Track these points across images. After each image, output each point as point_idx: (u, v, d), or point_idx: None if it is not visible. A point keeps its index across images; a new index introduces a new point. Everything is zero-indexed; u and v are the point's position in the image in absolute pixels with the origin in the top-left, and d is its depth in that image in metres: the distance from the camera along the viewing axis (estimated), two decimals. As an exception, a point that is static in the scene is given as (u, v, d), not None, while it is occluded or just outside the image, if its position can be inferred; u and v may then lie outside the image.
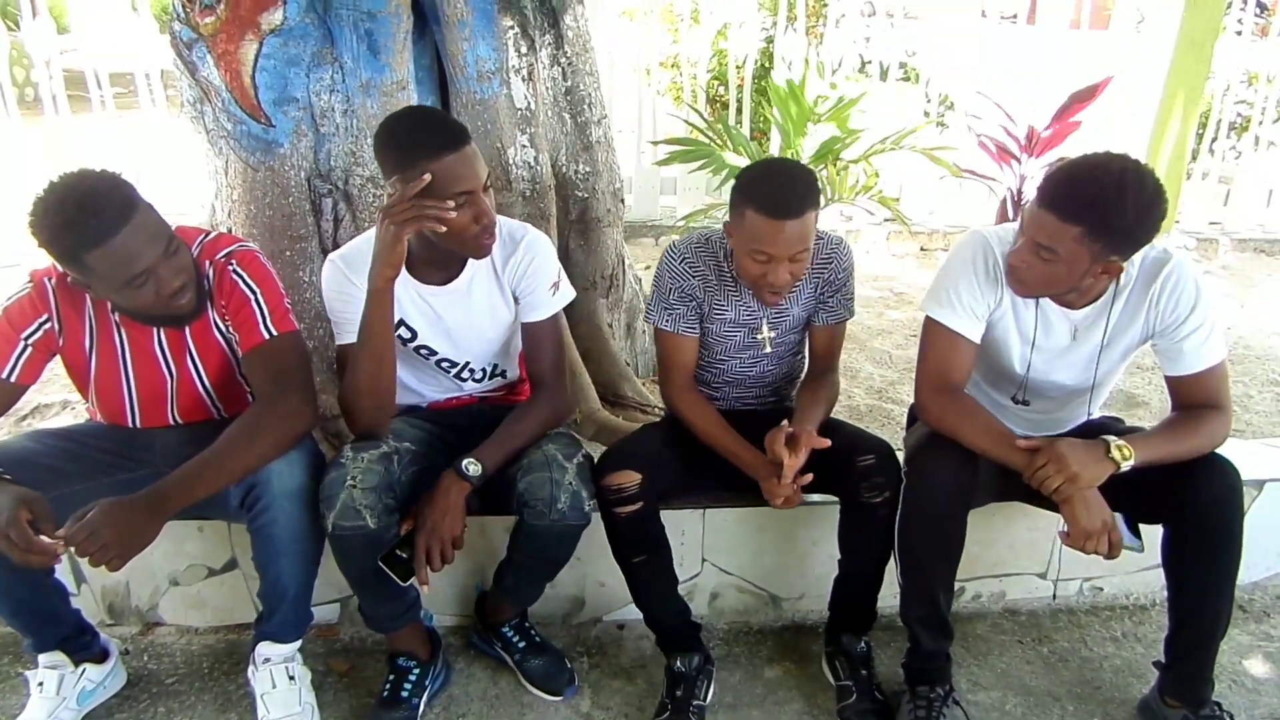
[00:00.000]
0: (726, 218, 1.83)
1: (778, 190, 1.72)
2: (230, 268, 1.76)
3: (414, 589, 1.80)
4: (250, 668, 1.85)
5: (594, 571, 2.17)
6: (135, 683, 2.01)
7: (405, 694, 1.88)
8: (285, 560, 1.72)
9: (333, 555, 1.74)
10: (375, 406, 1.76)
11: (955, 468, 1.74)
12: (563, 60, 2.74)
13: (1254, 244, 5.50)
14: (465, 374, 1.98)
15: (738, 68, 5.50)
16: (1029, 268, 1.66)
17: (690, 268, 1.93)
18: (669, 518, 1.95)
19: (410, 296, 1.83)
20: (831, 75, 5.45)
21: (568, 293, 1.95)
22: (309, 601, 1.83)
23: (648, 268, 3.98)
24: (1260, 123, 5.77)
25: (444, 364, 1.94)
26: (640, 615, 1.99)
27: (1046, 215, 1.58)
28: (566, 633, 2.21)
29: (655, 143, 5.05)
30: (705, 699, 1.93)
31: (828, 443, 1.78)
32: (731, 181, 1.98)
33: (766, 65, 5.90)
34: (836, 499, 1.92)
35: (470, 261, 1.85)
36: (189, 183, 3.20)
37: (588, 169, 2.83)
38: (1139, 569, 2.30)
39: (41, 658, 1.85)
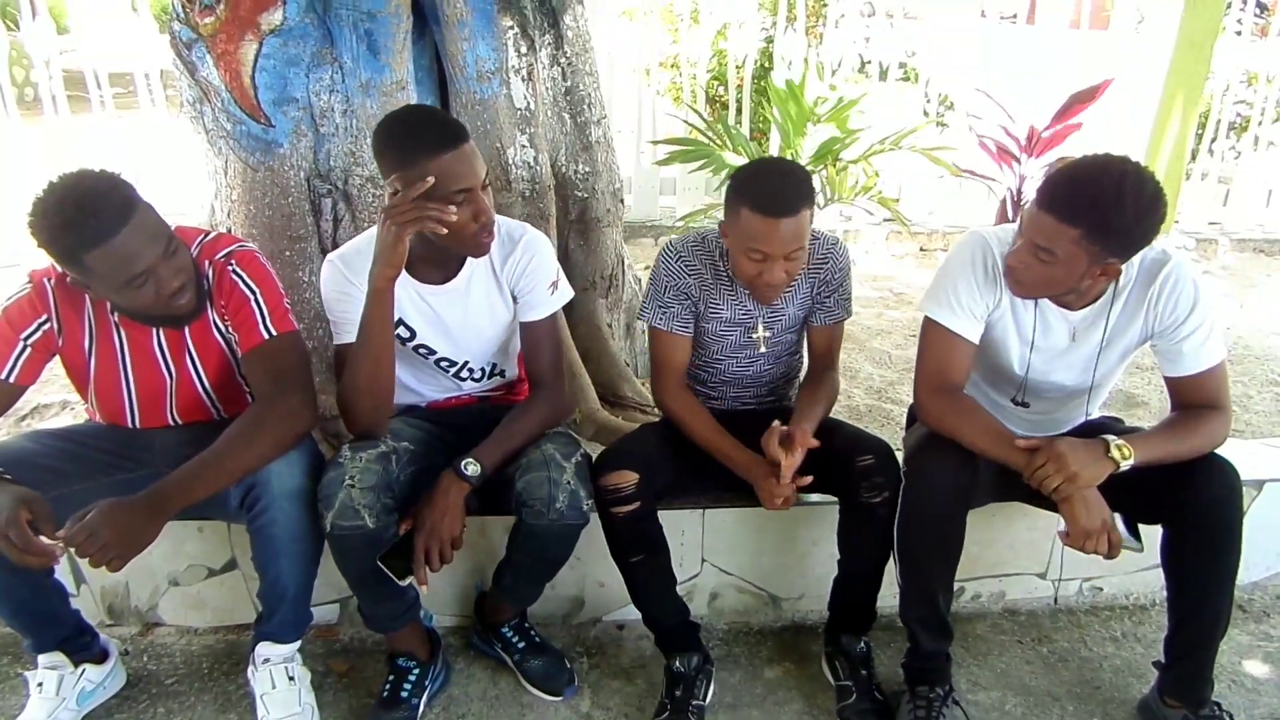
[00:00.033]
0: (722, 217, 1.83)
1: (772, 189, 1.73)
2: (230, 268, 1.76)
3: (413, 589, 1.80)
4: (250, 668, 1.85)
5: (594, 572, 2.17)
6: (135, 683, 2.01)
7: (405, 694, 1.88)
8: (285, 560, 1.72)
9: (331, 555, 1.74)
10: (374, 406, 1.76)
11: (954, 468, 1.74)
12: (562, 60, 2.74)
13: (1253, 244, 5.50)
14: (464, 373, 1.98)
15: (737, 68, 5.50)
16: (1027, 269, 1.66)
17: (686, 266, 1.93)
18: (668, 518, 1.95)
19: (409, 295, 1.83)
20: (831, 76, 5.46)
21: (566, 292, 1.95)
22: (309, 602, 1.83)
23: (647, 268, 3.97)
24: (1260, 123, 5.77)
25: (443, 363, 1.94)
26: (640, 615, 1.99)
27: (1045, 217, 1.58)
28: (566, 633, 2.21)
29: (655, 142, 5.06)
30: (705, 699, 1.93)
31: (817, 443, 1.78)
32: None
33: (766, 65, 5.90)
34: (836, 499, 1.92)
35: (469, 260, 1.85)
36: (188, 183, 3.19)
37: (587, 169, 2.83)
38: (1139, 569, 2.30)
39: (41, 658, 1.85)
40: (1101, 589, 2.36)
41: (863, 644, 2.00)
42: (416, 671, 1.90)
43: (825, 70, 5.45)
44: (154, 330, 1.77)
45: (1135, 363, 3.27)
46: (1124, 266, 1.66)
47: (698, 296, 1.95)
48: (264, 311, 1.75)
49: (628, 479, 1.79)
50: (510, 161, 2.58)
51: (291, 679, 1.82)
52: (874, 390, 3.30)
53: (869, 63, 5.83)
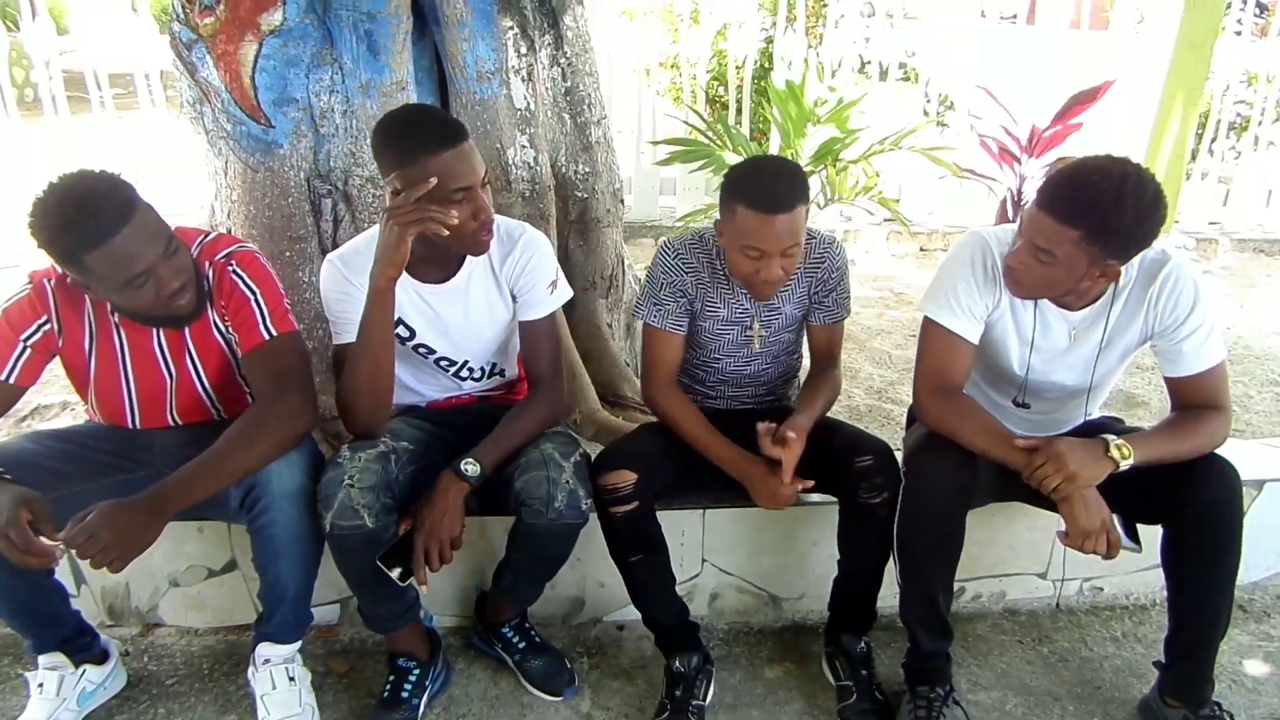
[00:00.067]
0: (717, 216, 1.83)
1: (767, 185, 1.73)
2: (230, 268, 1.76)
3: (413, 589, 1.80)
4: (250, 669, 1.85)
5: (594, 572, 2.17)
6: (135, 684, 2.01)
7: (405, 694, 1.88)
8: (285, 561, 1.72)
9: (331, 555, 1.74)
10: (373, 406, 1.76)
11: (954, 468, 1.74)
12: (562, 61, 2.74)
13: (1253, 244, 5.50)
14: (464, 372, 1.98)
15: (737, 68, 5.50)
16: (1026, 269, 1.66)
17: (684, 264, 1.93)
18: (668, 518, 1.95)
19: (408, 295, 1.83)
20: (831, 77, 5.45)
21: (565, 291, 1.95)
22: (309, 602, 1.83)
23: (647, 268, 3.98)
24: (1260, 123, 5.77)
25: (442, 362, 1.95)
26: (640, 615, 1.99)
27: (1045, 218, 1.58)
28: (566, 633, 2.21)
29: (655, 143, 5.05)
30: (705, 699, 1.93)
31: (795, 435, 1.78)
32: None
33: (766, 66, 5.90)
34: (836, 499, 1.92)
35: (468, 259, 1.85)
36: (188, 183, 3.19)
37: (587, 169, 2.83)
38: (1139, 569, 2.30)
39: (41, 659, 1.85)
40: (1102, 589, 2.36)
41: (863, 644, 2.00)
42: (417, 672, 1.90)
43: (825, 70, 5.45)
44: (154, 331, 1.77)
45: (1135, 363, 3.27)
46: (1124, 267, 1.66)
47: (694, 295, 1.95)
48: (264, 312, 1.75)
49: (626, 479, 1.79)
50: (510, 162, 2.58)
51: (292, 679, 1.82)
52: (874, 390, 3.30)
53: (869, 63, 5.83)
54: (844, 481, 1.85)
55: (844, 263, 1.98)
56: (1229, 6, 5.59)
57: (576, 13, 2.74)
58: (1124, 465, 1.63)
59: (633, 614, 2.04)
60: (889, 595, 1.93)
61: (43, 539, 1.52)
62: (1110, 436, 1.66)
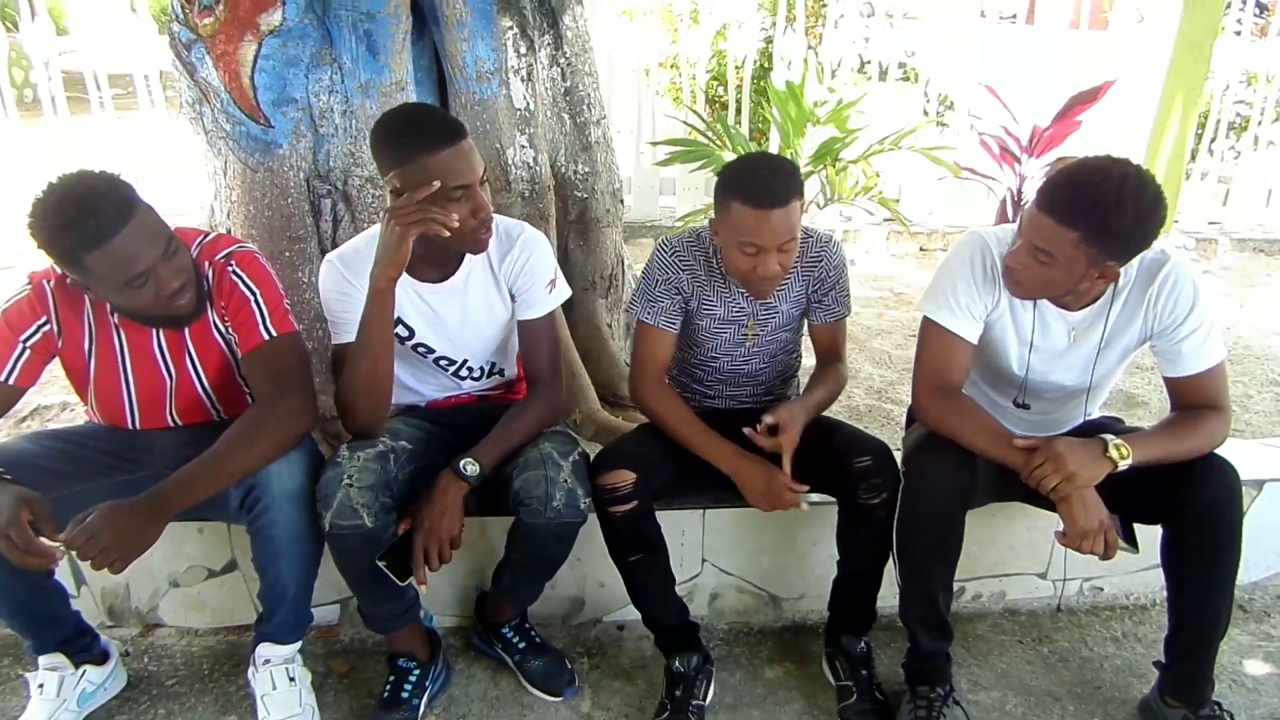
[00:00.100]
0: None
1: (762, 181, 1.73)
2: (230, 268, 1.76)
3: (412, 589, 1.80)
4: (250, 669, 1.85)
5: (594, 572, 2.17)
6: (135, 684, 2.01)
7: (405, 695, 1.88)
8: (285, 561, 1.72)
9: (331, 555, 1.74)
10: (372, 406, 1.76)
11: (953, 468, 1.74)
12: (562, 61, 2.74)
13: (1253, 244, 5.50)
14: (463, 372, 1.98)
15: (737, 68, 5.50)
16: (1025, 270, 1.66)
17: (681, 261, 1.93)
18: (668, 518, 1.95)
19: (407, 294, 1.83)
20: (831, 77, 5.45)
21: (564, 290, 1.95)
22: (309, 603, 1.83)
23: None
24: (1259, 122, 5.78)
25: (442, 362, 1.95)
26: (640, 615, 1.99)
27: (1045, 219, 1.58)
28: (566, 633, 2.21)
29: (655, 143, 5.06)
30: (705, 699, 1.93)
31: (774, 420, 1.79)
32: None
33: (766, 66, 5.90)
34: (835, 499, 1.92)
35: (467, 259, 1.85)
36: (188, 184, 3.19)
37: (587, 169, 2.84)
38: (1139, 569, 2.30)
39: (42, 659, 1.85)
40: (1102, 589, 2.36)
41: (863, 644, 2.00)
42: (417, 672, 1.90)
43: (825, 71, 5.46)
44: (154, 331, 1.77)
45: (1135, 363, 3.27)
46: (1123, 268, 1.66)
47: (690, 293, 1.95)
48: (264, 312, 1.75)
49: (625, 478, 1.79)
50: (510, 162, 2.58)
51: (292, 680, 1.82)
52: (874, 390, 3.30)
53: (869, 63, 5.83)
54: (843, 482, 1.85)
55: (841, 261, 1.98)
56: (1229, 6, 5.59)
57: (576, 13, 2.75)
58: (1122, 465, 1.63)
59: (633, 614, 2.04)
60: (889, 595, 1.93)
61: (43, 540, 1.52)
62: (1109, 436, 1.66)
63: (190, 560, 2.12)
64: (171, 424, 1.86)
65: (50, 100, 4.91)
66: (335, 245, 2.31)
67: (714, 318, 1.98)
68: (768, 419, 1.81)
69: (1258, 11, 6.81)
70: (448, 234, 1.63)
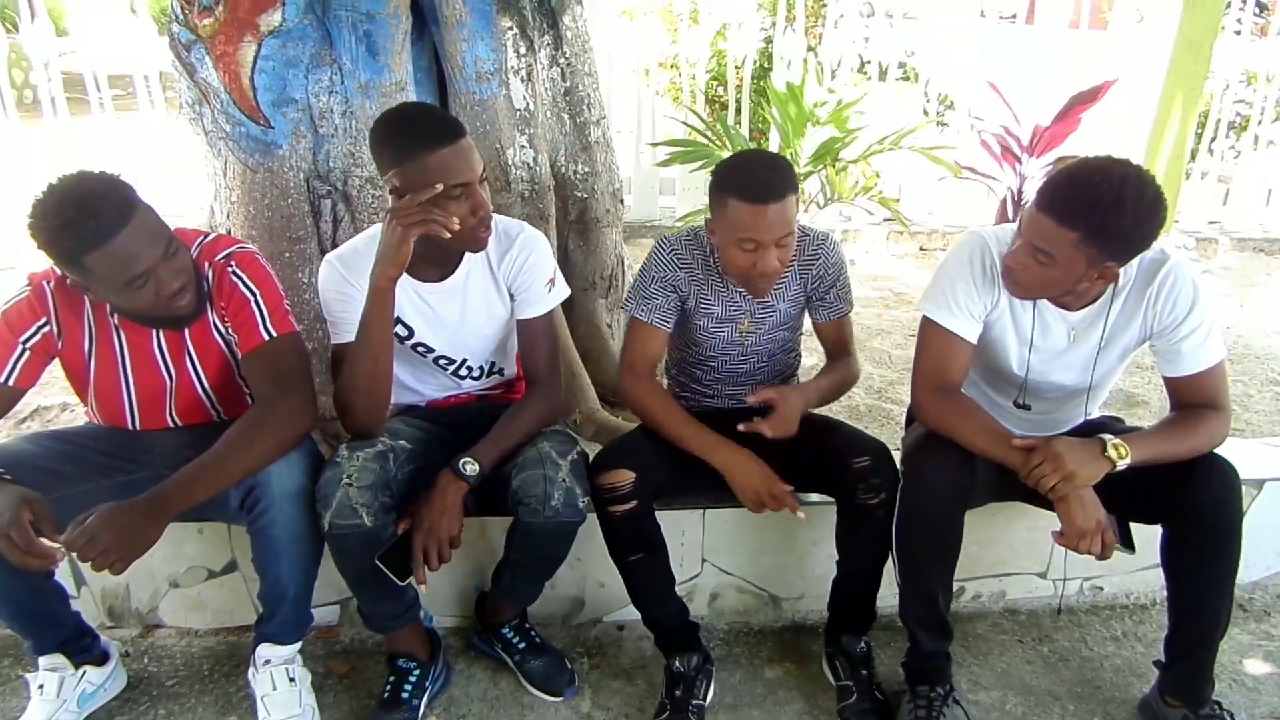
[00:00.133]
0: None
1: (757, 177, 1.74)
2: (230, 269, 1.76)
3: (412, 589, 1.80)
4: (250, 670, 1.85)
5: (594, 572, 2.17)
6: (135, 685, 2.01)
7: (405, 695, 1.88)
8: (285, 561, 1.72)
9: (330, 555, 1.74)
10: (371, 405, 1.76)
11: (952, 468, 1.74)
12: (561, 61, 2.74)
13: (1253, 243, 5.50)
14: (463, 371, 1.98)
15: (736, 68, 5.50)
16: (1025, 269, 1.66)
17: (678, 259, 1.94)
18: (668, 518, 1.95)
19: (406, 294, 1.83)
20: (831, 77, 5.46)
21: (563, 290, 1.96)
22: (309, 603, 1.83)
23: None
24: (1259, 122, 5.77)
25: (441, 361, 1.95)
26: (640, 615, 1.99)
27: (1044, 219, 1.58)
28: (566, 633, 2.21)
29: (655, 144, 5.06)
30: (705, 699, 1.93)
31: (772, 397, 1.80)
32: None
33: (765, 66, 5.91)
34: (834, 500, 1.91)
35: (466, 258, 1.86)
36: (188, 184, 3.20)
37: (586, 169, 2.84)
38: (1139, 568, 2.30)
39: (42, 660, 1.85)
40: (1102, 588, 2.36)
41: (863, 644, 2.00)
42: (417, 672, 1.90)
43: (825, 71, 5.46)
44: (154, 332, 1.77)
45: (1135, 362, 3.27)
46: (1122, 268, 1.66)
47: (687, 291, 1.95)
48: (264, 313, 1.75)
49: (624, 478, 1.79)
50: (509, 162, 2.58)
51: (292, 680, 1.82)
52: (874, 390, 3.30)
53: (868, 63, 5.83)
54: (841, 482, 1.85)
55: (839, 257, 1.98)
56: (1228, 6, 5.59)
57: (576, 13, 2.75)
58: (1121, 465, 1.63)
59: (633, 614, 2.04)
60: (889, 595, 1.93)
61: (44, 540, 1.52)
62: (1107, 436, 1.66)
63: (190, 561, 2.12)
64: (171, 425, 1.86)
65: (50, 101, 4.91)
66: (335, 246, 2.31)
67: (712, 316, 1.98)
68: (757, 395, 1.80)
69: (1257, 11, 6.81)
70: (449, 235, 1.64)
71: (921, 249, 5.36)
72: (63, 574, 1.95)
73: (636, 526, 1.83)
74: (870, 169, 4.54)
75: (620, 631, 2.22)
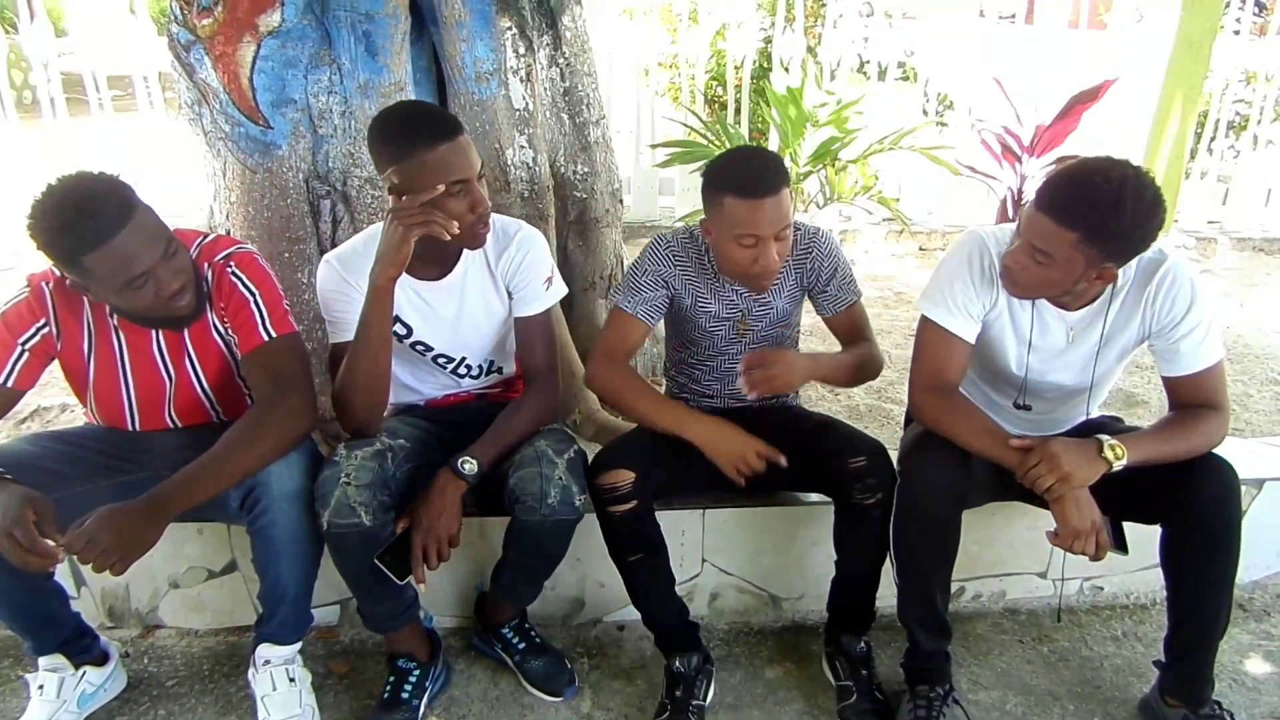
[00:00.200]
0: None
1: (752, 172, 1.74)
2: (229, 270, 1.76)
3: (411, 588, 1.81)
4: (250, 670, 1.85)
5: (594, 572, 2.17)
6: (135, 685, 2.01)
7: (405, 695, 1.88)
8: (285, 562, 1.72)
9: (329, 555, 1.74)
10: (369, 404, 1.77)
11: (950, 467, 1.74)
12: (561, 61, 2.74)
13: (1253, 243, 5.50)
14: (461, 370, 1.98)
15: (736, 68, 5.51)
16: (1023, 269, 1.66)
17: (674, 255, 1.94)
18: (668, 518, 1.95)
19: (405, 293, 1.83)
20: (830, 78, 5.45)
21: (560, 288, 1.96)
22: (309, 603, 1.83)
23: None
24: (1259, 122, 5.78)
25: (440, 359, 1.95)
26: (640, 616, 1.99)
27: (1044, 219, 1.58)
28: (566, 634, 2.21)
29: (655, 146, 5.06)
30: (705, 699, 1.93)
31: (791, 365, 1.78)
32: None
33: (765, 66, 5.91)
34: (831, 500, 1.92)
35: (464, 256, 1.86)
36: (187, 185, 3.20)
37: (586, 169, 2.84)
38: (1139, 568, 2.30)
39: (41, 661, 1.85)
40: (1102, 588, 2.36)
41: (863, 644, 2.00)
42: (417, 672, 1.90)
43: (824, 71, 5.46)
44: (153, 333, 1.77)
45: (1135, 362, 3.27)
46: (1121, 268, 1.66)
47: (681, 289, 1.95)
48: (263, 313, 1.75)
49: (624, 478, 1.79)
50: (509, 162, 2.58)
51: (292, 680, 1.82)
52: (874, 390, 3.30)
53: (868, 63, 5.83)
54: (838, 482, 1.85)
55: (833, 248, 1.97)
56: (1228, 5, 5.60)
57: (575, 13, 2.75)
58: (1118, 466, 1.63)
59: (633, 614, 2.04)
60: (888, 595, 1.93)
61: (45, 540, 1.52)
62: (1104, 437, 1.66)
63: (190, 561, 2.12)
64: (171, 425, 1.86)
65: (49, 102, 4.91)
66: (334, 246, 2.30)
67: (709, 315, 1.98)
68: (750, 358, 1.78)
69: (1257, 11, 6.81)
70: (448, 237, 1.64)
71: (921, 249, 5.36)
72: (63, 574, 1.95)
73: (636, 526, 1.83)
74: (869, 169, 4.55)
75: (620, 631, 2.22)
